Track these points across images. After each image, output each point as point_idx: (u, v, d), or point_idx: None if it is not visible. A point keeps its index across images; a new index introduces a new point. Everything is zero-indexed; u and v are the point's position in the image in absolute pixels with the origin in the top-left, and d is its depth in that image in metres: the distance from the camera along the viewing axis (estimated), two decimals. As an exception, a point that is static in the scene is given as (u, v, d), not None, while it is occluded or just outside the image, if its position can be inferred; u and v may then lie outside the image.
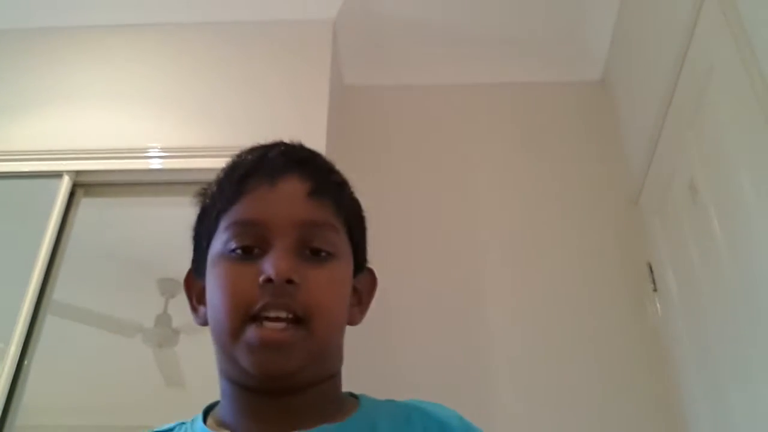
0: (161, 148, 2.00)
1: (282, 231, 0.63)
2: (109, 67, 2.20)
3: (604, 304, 1.91)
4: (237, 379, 0.63)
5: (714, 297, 1.52)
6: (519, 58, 2.36)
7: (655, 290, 1.87)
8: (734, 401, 1.43)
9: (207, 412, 0.68)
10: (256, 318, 0.59)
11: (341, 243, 0.66)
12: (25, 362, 1.73)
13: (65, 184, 1.95)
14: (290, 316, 0.59)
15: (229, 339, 0.61)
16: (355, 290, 0.69)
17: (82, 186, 2.00)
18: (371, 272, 0.73)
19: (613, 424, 1.74)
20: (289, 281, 0.60)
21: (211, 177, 2.34)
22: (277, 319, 0.59)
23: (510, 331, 1.88)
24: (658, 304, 1.86)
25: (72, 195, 1.97)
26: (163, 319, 2.79)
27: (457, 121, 2.28)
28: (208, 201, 0.70)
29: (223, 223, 0.65)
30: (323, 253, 0.64)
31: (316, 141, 2.14)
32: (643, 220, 1.98)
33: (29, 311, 1.75)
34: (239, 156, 0.71)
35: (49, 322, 1.83)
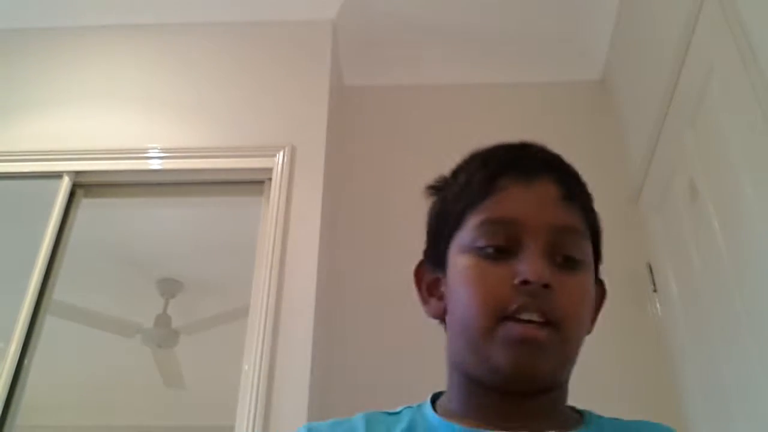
0: (161, 149, 2.00)
1: (536, 233, 0.62)
2: (109, 67, 2.20)
3: (604, 305, 1.91)
4: (477, 375, 0.63)
5: (714, 297, 1.52)
6: (519, 58, 2.36)
7: (655, 290, 1.87)
8: (733, 401, 1.43)
9: (433, 401, 0.68)
10: (509, 318, 0.59)
11: (588, 252, 0.66)
12: (25, 362, 1.73)
13: (65, 184, 1.95)
14: (542, 320, 0.59)
15: (482, 335, 0.60)
16: None
17: (82, 186, 2.00)
18: (603, 284, 0.71)
19: (613, 424, 1.74)
20: (546, 286, 0.59)
21: (211, 177, 2.30)
22: (529, 322, 0.59)
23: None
24: (658, 304, 1.86)
25: (72, 195, 1.97)
26: (163, 319, 2.80)
27: (457, 121, 2.28)
28: (449, 194, 0.69)
29: (473, 219, 0.64)
30: (573, 261, 0.63)
31: (316, 141, 2.16)
32: (643, 220, 1.98)
33: (29, 311, 1.75)
34: (485, 153, 0.70)
35: (49, 322, 1.84)
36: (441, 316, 0.68)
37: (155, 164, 2.00)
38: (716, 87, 1.47)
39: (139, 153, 2.00)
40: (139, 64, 2.21)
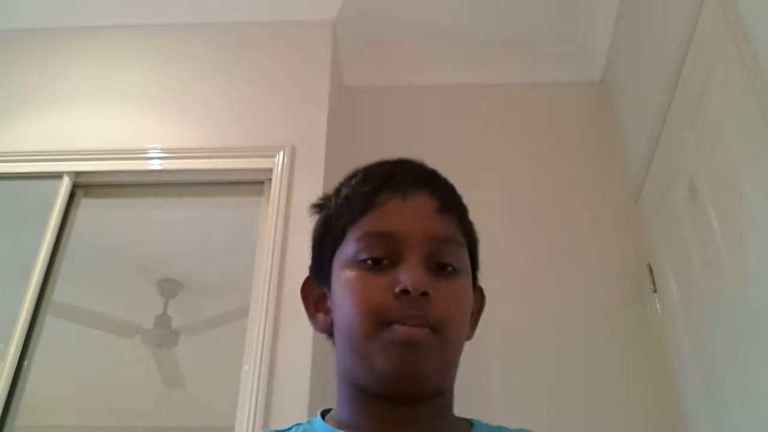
0: (161, 149, 2.00)
1: (414, 244, 0.65)
2: (109, 67, 2.20)
3: (604, 305, 1.91)
4: (364, 383, 0.65)
5: (714, 297, 1.52)
6: (519, 58, 2.36)
7: (655, 291, 1.87)
8: (734, 401, 1.43)
9: (323, 416, 0.70)
10: (390, 324, 0.62)
11: (465, 259, 0.69)
12: (25, 362, 1.73)
13: (65, 184, 1.95)
14: (420, 325, 0.62)
15: (365, 341, 0.63)
16: None
17: (82, 187, 2.00)
18: (482, 291, 0.75)
19: (613, 423, 1.74)
20: (424, 294, 0.62)
21: (211, 177, 2.31)
22: (406, 326, 0.62)
23: (509, 332, 1.88)
24: (658, 305, 1.86)
25: (72, 196, 1.97)
26: (163, 320, 2.79)
27: (457, 122, 2.28)
28: (332, 211, 0.72)
29: (353, 234, 0.67)
30: (449, 268, 0.66)
31: (316, 141, 2.16)
32: (643, 220, 1.98)
33: (29, 311, 1.75)
34: (365, 170, 0.73)
35: (49, 323, 1.83)
36: (328, 331, 0.70)
37: (155, 164, 2.00)
38: (716, 87, 1.47)
39: (139, 153, 2.00)
40: (139, 64, 2.21)
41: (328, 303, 0.70)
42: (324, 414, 0.70)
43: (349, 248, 0.67)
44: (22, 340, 1.72)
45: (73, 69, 2.20)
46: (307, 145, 1.96)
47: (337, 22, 2.24)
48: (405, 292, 0.62)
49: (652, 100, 1.82)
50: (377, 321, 0.62)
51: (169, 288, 2.76)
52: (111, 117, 2.08)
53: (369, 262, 0.65)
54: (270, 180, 1.91)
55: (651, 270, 1.90)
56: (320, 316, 0.71)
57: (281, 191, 1.86)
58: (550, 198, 2.10)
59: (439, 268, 0.65)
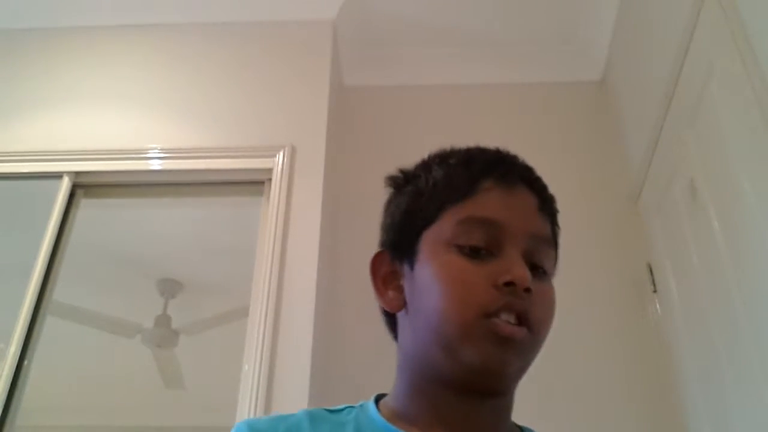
0: (161, 149, 2.00)
1: (515, 237, 0.63)
2: (109, 67, 2.20)
3: (604, 305, 1.91)
4: (439, 372, 0.62)
5: (714, 297, 1.52)
6: (519, 58, 2.36)
7: (654, 291, 1.87)
8: (734, 401, 1.43)
9: (376, 401, 0.67)
10: (490, 316, 0.59)
11: (554, 264, 0.67)
12: (25, 362, 1.73)
13: (65, 185, 1.95)
14: (517, 322, 0.60)
15: (458, 329, 0.60)
16: None
17: (82, 187, 2.01)
18: None
19: (613, 424, 1.74)
20: (527, 290, 0.60)
21: (211, 177, 2.30)
22: (507, 323, 0.59)
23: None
24: (658, 305, 1.86)
25: (72, 196, 1.97)
26: (163, 319, 2.79)
27: (457, 122, 2.28)
28: (425, 187, 0.68)
29: (452, 216, 0.64)
30: (541, 270, 0.64)
31: (316, 141, 2.16)
32: (643, 220, 1.98)
33: (29, 311, 1.76)
34: (466, 152, 0.70)
35: (49, 322, 1.84)
36: (398, 310, 0.67)
37: (155, 164, 2.00)
38: (716, 87, 1.47)
39: (139, 153, 2.00)
40: (139, 64, 2.21)
41: (401, 282, 0.67)
42: (378, 399, 0.67)
43: (445, 230, 0.64)
44: (22, 340, 1.72)
45: (73, 69, 2.20)
46: (307, 145, 1.96)
47: (337, 22, 2.24)
48: (509, 284, 0.59)
49: (652, 100, 1.82)
50: (475, 312, 0.59)
51: (169, 288, 2.76)
52: (111, 117, 2.08)
53: (468, 249, 0.62)
54: (270, 180, 1.91)
55: (651, 270, 1.90)
56: (391, 293, 0.67)
57: (281, 191, 1.86)
58: (550, 198, 2.10)
59: (533, 268, 0.62)
